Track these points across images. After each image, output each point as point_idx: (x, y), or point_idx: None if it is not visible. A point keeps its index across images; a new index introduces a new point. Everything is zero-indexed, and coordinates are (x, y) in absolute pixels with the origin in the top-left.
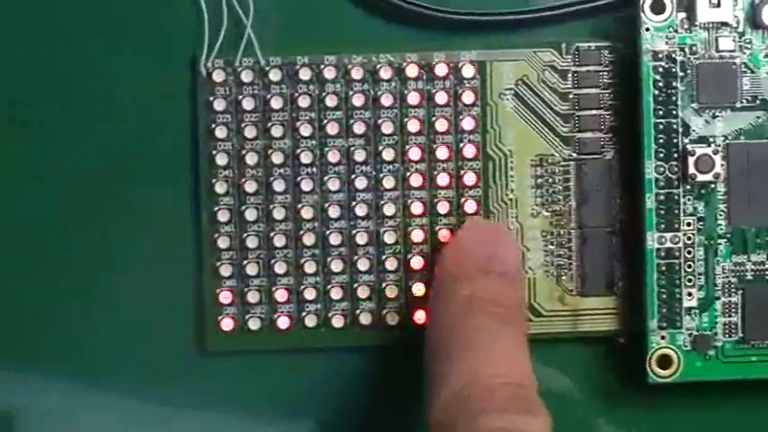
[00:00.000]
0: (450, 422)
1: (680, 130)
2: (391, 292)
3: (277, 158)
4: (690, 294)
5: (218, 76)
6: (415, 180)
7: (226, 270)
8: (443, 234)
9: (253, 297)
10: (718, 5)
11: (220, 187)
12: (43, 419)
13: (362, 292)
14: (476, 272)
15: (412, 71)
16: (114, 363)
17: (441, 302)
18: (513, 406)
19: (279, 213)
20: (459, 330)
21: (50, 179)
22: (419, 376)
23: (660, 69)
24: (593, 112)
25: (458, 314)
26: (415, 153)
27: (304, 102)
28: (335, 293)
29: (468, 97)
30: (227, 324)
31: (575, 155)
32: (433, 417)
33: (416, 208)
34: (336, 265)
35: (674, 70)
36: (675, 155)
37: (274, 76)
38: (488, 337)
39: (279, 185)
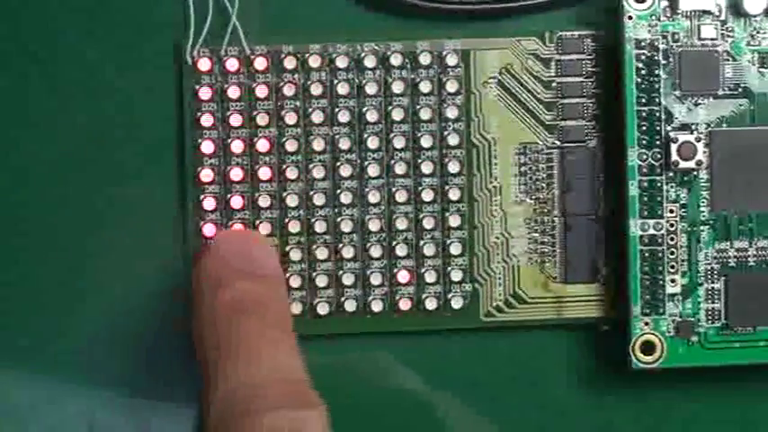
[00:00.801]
0: (226, 424)
1: (662, 117)
2: (375, 279)
3: (262, 147)
4: (673, 281)
5: (203, 65)
6: (400, 168)
7: None
8: (428, 221)
9: None
10: None
11: (206, 176)
12: (20, 414)
13: (347, 279)
14: (235, 276)
15: (396, 60)
16: (100, 353)
17: (203, 309)
18: (288, 401)
19: (264, 201)
20: (226, 334)
21: (34, 169)
22: (404, 362)
23: (643, 57)
24: (577, 100)
25: (222, 318)
26: (399, 141)
27: (289, 90)
28: (321, 281)
29: (451, 86)
30: None
31: (558, 143)
32: (210, 420)
33: (401, 196)
34: (321, 253)
35: (656, 58)
36: (658, 142)
37: (259, 64)
38: (255, 338)
39: (264, 174)
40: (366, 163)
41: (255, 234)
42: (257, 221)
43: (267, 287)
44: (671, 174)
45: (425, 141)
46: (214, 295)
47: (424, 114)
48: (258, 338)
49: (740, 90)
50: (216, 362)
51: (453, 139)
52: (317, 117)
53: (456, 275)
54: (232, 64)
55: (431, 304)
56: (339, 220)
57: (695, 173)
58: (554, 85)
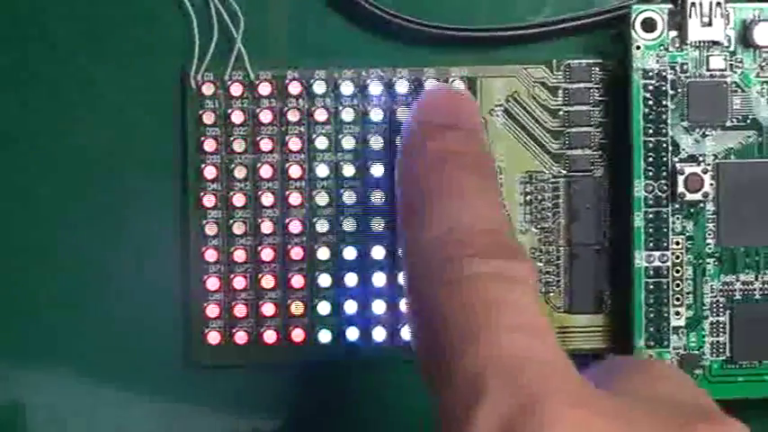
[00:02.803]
0: (432, 269)
1: (669, 148)
2: (378, 307)
3: (265, 172)
4: (678, 313)
5: (207, 90)
6: None
7: (213, 284)
8: None
9: (239, 311)
10: (710, 24)
11: (208, 201)
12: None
13: (350, 308)
14: (443, 128)
15: (402, 86)
16: (100, 373)
17: (411, 158)
18: (497, 251)
19: (267, 227)
20: (433, 182)
21: (37, 191)
22: (416, 390)
23: (650, 87)
24: (584, 129)
25: (429, 167)
26: None
27: (293, 116)
28: (323, 308)
29: None
30: (213, 338)
31: (564, 172)
32: (414, 265)
33: None
34: (324, 280)
35: (664, 88)
36: (665, 173)
37: (264, 90)
38: (463, 187)
39: (267, 199)
40: (370, 190)
41: (461, 89)
42: (259, 247)
43: (473, 139)
44: (677, 205)
45: None
46: (421, 146)
47: None
48: (464, 188)
49: (748, 122)
50: (421, 210)
51: None
52: (321, 143)
53: None
54: (236, 89)
55: None
56: (342, 247)
57: (702, 205)
58: (561, 113)
